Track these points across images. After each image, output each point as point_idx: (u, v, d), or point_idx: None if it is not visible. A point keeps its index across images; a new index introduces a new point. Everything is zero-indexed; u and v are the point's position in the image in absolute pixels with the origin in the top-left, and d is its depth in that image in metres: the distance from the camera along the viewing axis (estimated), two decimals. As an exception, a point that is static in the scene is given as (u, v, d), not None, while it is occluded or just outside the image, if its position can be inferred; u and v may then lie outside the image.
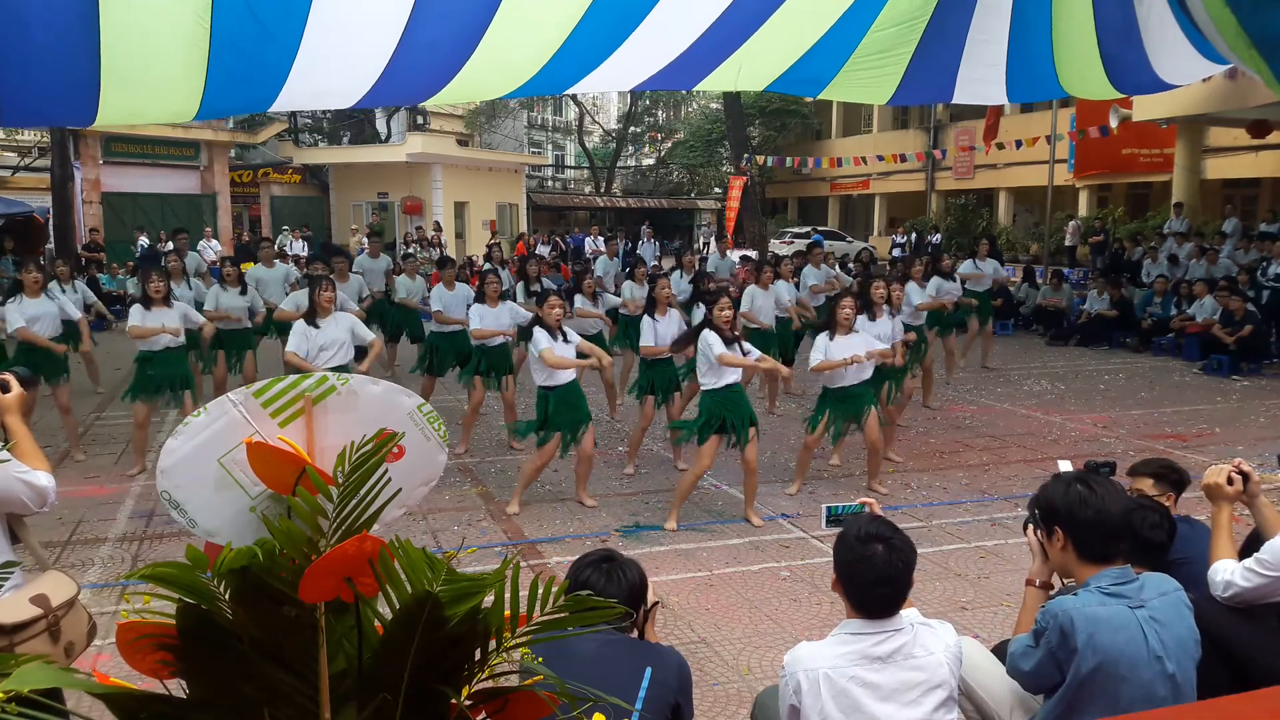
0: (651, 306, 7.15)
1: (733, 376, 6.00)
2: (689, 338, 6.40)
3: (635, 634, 2.65)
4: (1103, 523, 2.42)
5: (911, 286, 9.08)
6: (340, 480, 1.61)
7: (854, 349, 6.38)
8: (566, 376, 6.18)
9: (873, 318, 7.00)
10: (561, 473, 7.07)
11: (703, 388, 6.06)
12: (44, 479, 2.69)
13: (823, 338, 6.58)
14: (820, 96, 7.74)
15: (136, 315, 7.30)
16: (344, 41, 5.37)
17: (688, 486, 6.11)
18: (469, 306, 8.01)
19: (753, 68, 6.67)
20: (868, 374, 6.57)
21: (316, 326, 6.53)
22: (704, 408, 6.05)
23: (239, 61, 5.21)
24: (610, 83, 6.70)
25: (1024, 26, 6.78)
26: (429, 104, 36.40)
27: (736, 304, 6.79)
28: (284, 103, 5.78)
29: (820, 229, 30.79)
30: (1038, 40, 6.92)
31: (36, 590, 2.54)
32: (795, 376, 9.69)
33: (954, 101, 7.84)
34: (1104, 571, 2.44)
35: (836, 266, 12.92)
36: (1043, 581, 2.76)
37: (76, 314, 8.39)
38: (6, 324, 7.60)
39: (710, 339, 5.93)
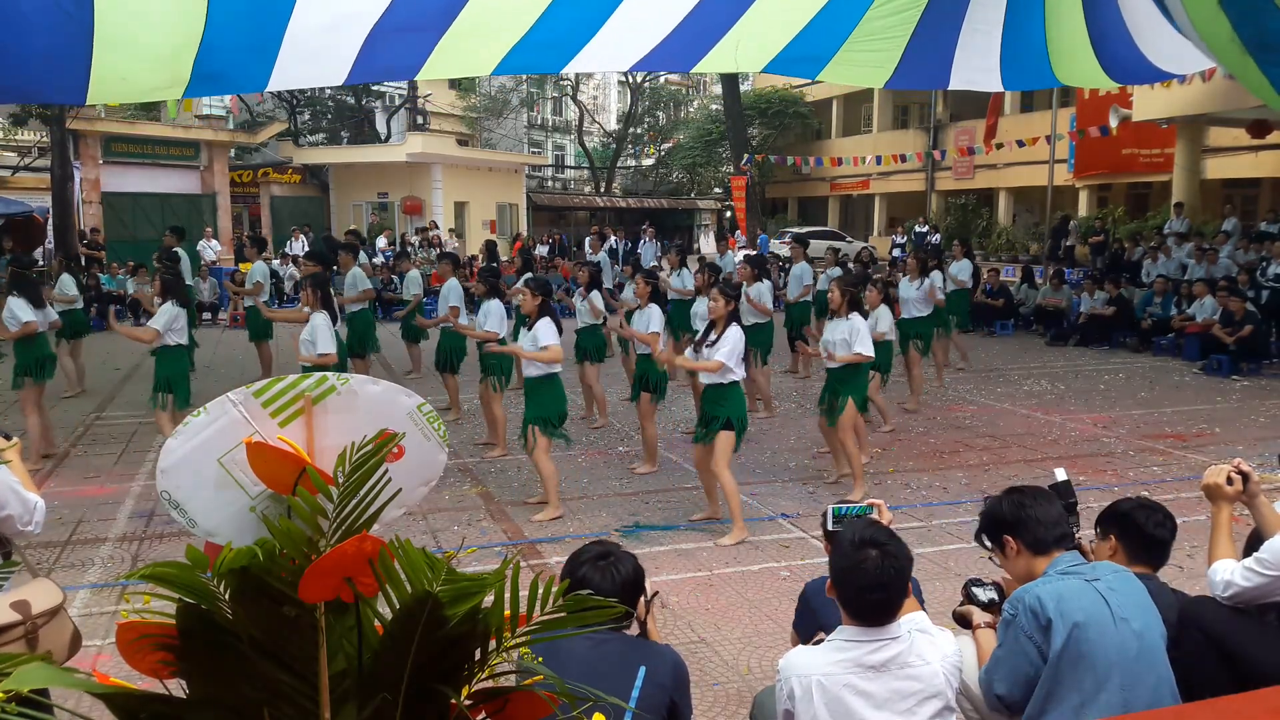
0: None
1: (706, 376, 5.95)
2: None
3: (635, 626, 2.65)
4: (1043, 515, 2.65)
5: (903, 282, 9.10)
6: (340, 480, 1.61)
7: (839, 333, 6.48)
8: (534, 370, 6.25)
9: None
10: (562, 472, 7.05)
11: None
12: (33, 497, 2.66)
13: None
14: (819, 77, 7.72)
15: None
16: (332, 18, 5.38)
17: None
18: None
19: (750, 46, 6.63)
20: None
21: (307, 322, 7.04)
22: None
23: (233, 39, 5.23)
24: (605, 62, 6.67)
25: (1018, 15, 6.78)
26: (429, 104, 36.29)
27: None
28: (276, 82, 5.80)
29: (820, 228, 30.79)
30: (1032, 29, 6.93)
31: (19, 596, 2.49)
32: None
33: (950, 88, 7.84)
34: (1058, 558, 2.59)
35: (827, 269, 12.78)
36: (989, 623, 2.84)
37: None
38: None
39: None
